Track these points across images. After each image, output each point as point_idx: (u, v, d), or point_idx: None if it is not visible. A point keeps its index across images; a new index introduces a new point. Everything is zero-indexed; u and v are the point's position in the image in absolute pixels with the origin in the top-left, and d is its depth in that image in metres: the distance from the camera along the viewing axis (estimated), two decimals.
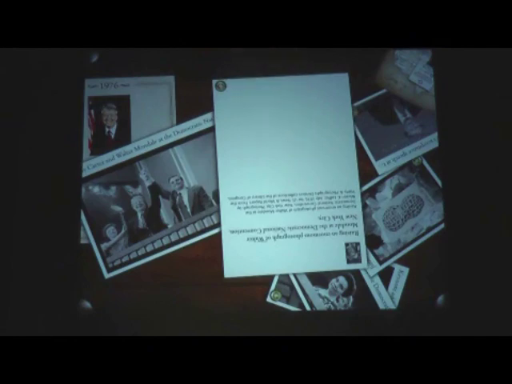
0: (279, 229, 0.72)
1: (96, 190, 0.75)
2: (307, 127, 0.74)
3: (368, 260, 0.69)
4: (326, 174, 0.72)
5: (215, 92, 0.76)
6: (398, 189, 0.74)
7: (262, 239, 0.71)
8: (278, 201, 0.73)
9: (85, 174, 0.75)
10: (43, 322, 0.72)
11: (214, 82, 0.75)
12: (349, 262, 0.68)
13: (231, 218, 0.72)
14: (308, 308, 0.72)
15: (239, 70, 0.76)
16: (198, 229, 0.74)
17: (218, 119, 0.75)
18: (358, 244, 0.70)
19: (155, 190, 0.75)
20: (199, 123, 0.76)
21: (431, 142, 0.75)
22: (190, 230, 0.74)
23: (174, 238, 0.74)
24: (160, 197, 0.75)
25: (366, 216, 0.73)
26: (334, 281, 0.72)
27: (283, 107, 0.75)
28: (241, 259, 0.71)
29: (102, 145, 0.76)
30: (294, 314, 0.72)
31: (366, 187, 0.74)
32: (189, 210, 0.74)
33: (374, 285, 0.72)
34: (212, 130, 0.75)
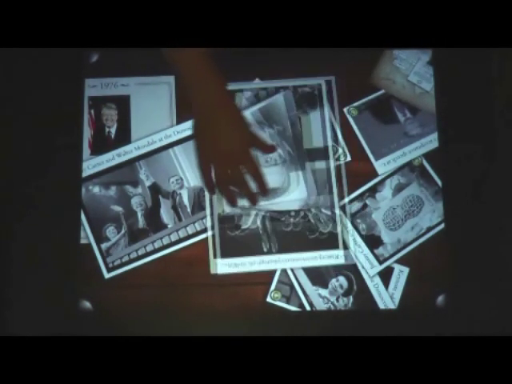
0: None
1: (96, 190, 0.75)
2: None
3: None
4: None
5: None
6: (398, 189, 0.74)
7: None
8: None
9: (85, 174, 0.75)
10: (43, 322, 0.72)
11: None
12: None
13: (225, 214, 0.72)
14: (308, 308, 0.71)
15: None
16: (198, 229, 0.74)
17: None
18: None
19: (155, 189, 0.75)
20: None
21: (431, 142, 0.75)
22: (190, 229, 0.74)
23: (174, 238, 0.74)
24: (160, 197, 0.75)
25: (366, 216, 0.73)
26: (333, 281, 0.72)
27: None
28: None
29: (102, 145, 0.76)
30: (294, 313, 0.72)
31: (366, 187, 0.74)
32: (189, 210, 0.74)
33: (374, 285, 0.72)
34: None
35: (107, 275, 0.72)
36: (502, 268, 0.73)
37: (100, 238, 0.73)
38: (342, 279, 0.72)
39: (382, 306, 0.71)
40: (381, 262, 0.72)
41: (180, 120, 0.76)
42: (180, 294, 0.72)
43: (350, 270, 0.72)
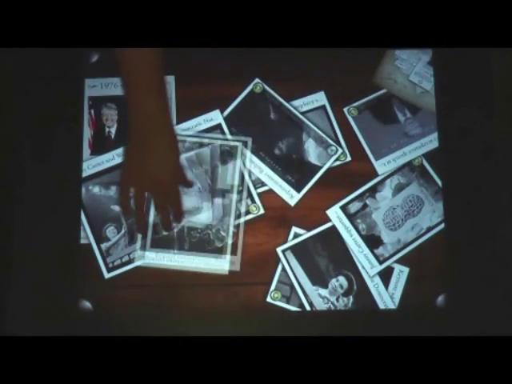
0: None
1: (96, 190, 0.75)
2: None
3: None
4: None
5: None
6: (398, 189, 0.74)
7: None
8: None
9: (85, 174, 0.75)
10: (43, 322, 0.72)
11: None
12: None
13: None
14: (308, 308, 0.71)
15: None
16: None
17: None
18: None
19: None
20: (199, 123, 0.76)
21: (431, 141, 0.75)
22: None
23: None
24: None
25: (366, 216, 0.73)
26: (333, 281, 0.72)
27: None
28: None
29: (102, 145, 0.76)
30: (294, 313, 0.72)
31: (366, 187, 0.74)
32: None
33: (374, 285, 0.72)
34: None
35: (107, 275, 0.72)
36: (502, 268, 0.73)
37: (100, 237, 0.73)
38: (341, 279, 0.72)
39: (382, 306, 0.71)
40: (381, 262, 0.72)
41: (179, 120, 0.76)
42: (180, 294, 0.72)
43: (350, 270, 0.72)
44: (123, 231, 0.73)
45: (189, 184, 0.72)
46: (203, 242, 0.72)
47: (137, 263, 0.72)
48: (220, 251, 0.72)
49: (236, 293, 0.72)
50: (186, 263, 0.72)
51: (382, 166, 0.75)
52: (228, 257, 0.72)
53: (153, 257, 0.72)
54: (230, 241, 0.72)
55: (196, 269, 0.72)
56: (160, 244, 0.73)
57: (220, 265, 0.72)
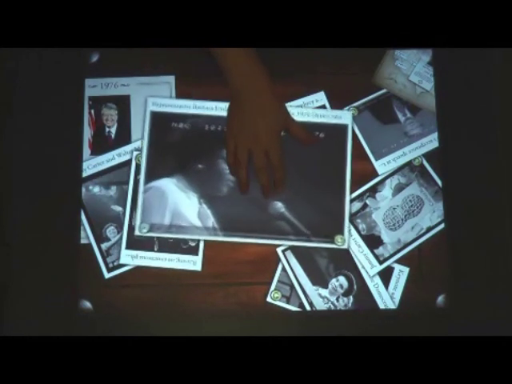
0: None
1: (96, 190, 0.75)
2: None
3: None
4: None
5: None
6: (398, 189, 0.74)
7: None
8: None
9: (85, 174, 0.75)
10: (43, 322, 0.72)
11: None
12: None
13: None
14: (308, 308, 0.72)
15: None
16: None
17: None
18: None
19: None
20: None
21: (431, 141, 0.75)
22: None
23: None
24: None
25: (366, 216, 0.73)
26: (334, 281, 0.72)
27: None
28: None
29: (102, 145, 0.76)
30: (294, 313, 0.72)
31: (365, 187, 0.74)
32: None
33: (374, 285, 0.72)
34: None
35: (107, 275, 0.72)
36: (502, 268, 0.73)
37: (100, 238, 0.73)
38: (342, 279, 0.72)
39: (382, 306, 0.71)
40: (381, 262, 0.72)
41: None
42: (180, 294, 0.72)
43: (350, 269, 0.72)
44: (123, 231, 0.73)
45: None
46: (179, 242, 0.72)
47: (122, 261, 0.72)
48: (194, 251, 0.72)
49: (236, 293, 0.72)
50: (163, 262, 0.72)
51: (382, 166, 0.75)
52: (200, 256, 0.72)
53: (134, 255, 0.72)
54: (201, 242, 0.73)
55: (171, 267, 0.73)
56: (141, 245, 0.72)
57: (191, 263, 0.72)
